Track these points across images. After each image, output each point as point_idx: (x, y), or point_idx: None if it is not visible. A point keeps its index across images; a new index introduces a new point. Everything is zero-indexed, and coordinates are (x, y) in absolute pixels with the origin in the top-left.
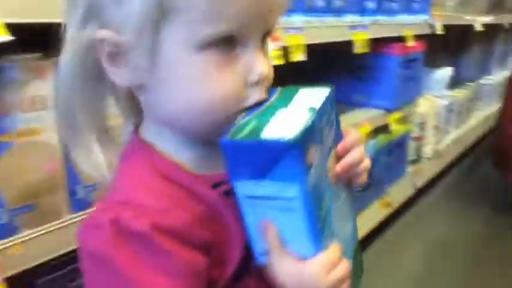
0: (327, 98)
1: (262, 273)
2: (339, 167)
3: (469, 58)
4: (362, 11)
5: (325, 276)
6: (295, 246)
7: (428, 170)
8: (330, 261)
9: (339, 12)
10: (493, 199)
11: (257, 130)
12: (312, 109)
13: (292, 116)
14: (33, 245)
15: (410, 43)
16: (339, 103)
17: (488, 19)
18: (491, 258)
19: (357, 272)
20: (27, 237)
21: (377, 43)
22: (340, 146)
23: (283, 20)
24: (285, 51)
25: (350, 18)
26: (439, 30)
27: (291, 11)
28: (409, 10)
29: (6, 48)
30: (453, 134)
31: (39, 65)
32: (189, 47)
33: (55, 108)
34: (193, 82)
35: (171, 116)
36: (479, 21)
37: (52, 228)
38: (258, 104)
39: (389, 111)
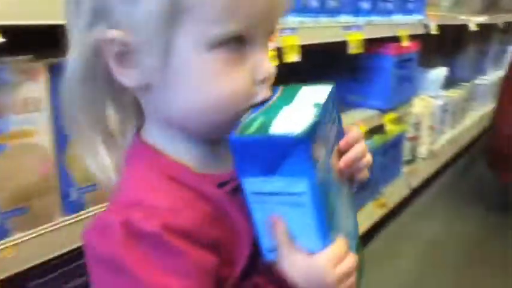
0: (330, 95)
1: (271, 269)
2: (342, 163)
3: (464, 58)
4: (356, 11)
5: (333, 270)
6: (302, 241)
7: (423, 170)
8: (337, 254)
9: (333, 12)
10: (488, 199)
11: (265, 126)
12: (317, 105)
13: (298, 112)
14: (26, 248)
15: (405, 43)
16: None
17: (482, 19)
18: (485, 258)
19: (360, 265)
20: (19, 240)
21: (372, 43)
22: (342, 142)
23: None
24: (279, 52)
25: (344, 19)
26: (434, 30)
27: None
28: (403, 10)
29: None
30: (448, 134)
31: (32, 67)
32: (201, 46)
33: (62, 109)
34: (205, 80)
35: (179, 115)
36: (473, 21)
37: (44, 231)
38: (263, 102)
39: (384, 111)
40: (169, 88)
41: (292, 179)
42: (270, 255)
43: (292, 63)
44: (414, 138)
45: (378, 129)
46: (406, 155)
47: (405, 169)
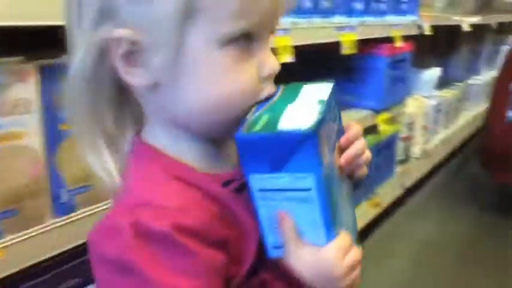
0: (331, 93)
1: (278, 265)
2: (343, 159)
3: (457, 58)
4: (350, 12)
5: (341, 261)
6: (308, 237)
7: (416, 170)
8: (344, 247)
9: (326, 13)
10: (481, 199)
11: (271, 123)
12: (321, 102)
13: (303, 109)
14: (16, 250)
15: (399, 44)
16: None
17: (476, 19)
18: (478, 258)
19: None
20: (9, 243)
21: (365, 44)
22: (343, 139)
23: None
24: (273, 52)
25: (338, 19)
26: (427, 31)
27: None
28: (397, 11)
29: None
30: (441, 134)
31: (22, 68)
32: (212, 44)
33: (66, 111)
34: (216, 77)
35: (187, 114)
36: (467, 21)
37: (35, 233)
38: (266, 99)
39: (377, 111)
40: (178, 86)
41: (299, 175)
42: (274, 252)
43: (286, 64)
44: (408, 138)
45: (372, 130)
46: (399, 154)
47: (399, 169)
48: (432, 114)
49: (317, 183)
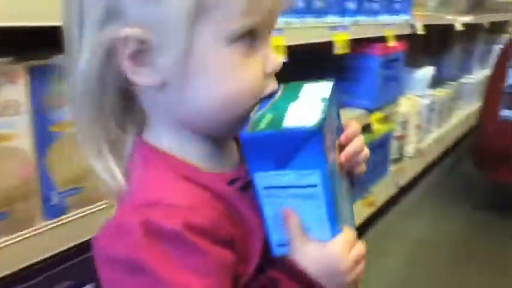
0: (332, 91)
1: (285, 264)
2: (343, 156)
3: (450, 57)
4: (343, 11)
5: (346, 256)
6: (313, 233)
7: (410, 169)
8: (349, 241)
9: (319, 13)
10: (474, 198)
11: (276, 121)
12: (324, 100)
13: (306, 107)
14: (7, 253)
15: (391, 43)
16: None
17: (468, 19)
18: (471, 256)
19: None
20: (0, 245)
21: (358, 43)
22: (343, 137)
23: None
24: None
25: (331, 19)
26: (420, 30)
27: None
28: (390, 10)
29: None
30: (435, 133)
31: (11, 70)
32: (221, 41)
33: (70, 113)
34: (225, 74)
35: (196, 112)
36: (459, 21)
37: (26, 236)
38: (269, 96)
39: (371, 111)
40: (187, 85)
41: (304, 172)
42: (279, 250)
43: None
44: (401, 137)
45: (365, 129)
46: (393, 154)
47: (392, 168)
48: (425, 113)
49: (322, 180)
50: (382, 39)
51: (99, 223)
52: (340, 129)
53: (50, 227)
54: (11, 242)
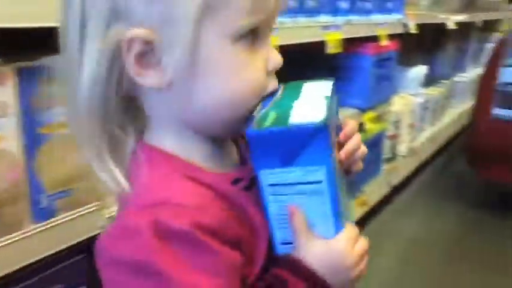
0: (333, 90)
1: (289, 260)
2: (342, 154)
3: (443, 56)
4: (335, 11)
5: (351, 251)
6: (317, 229)
7: (403, 168)
8: (353, 237)
9: (311, 12)
10: (467, 196)
11: (281, 119)
12: (326, 98)
13: (310, 104)
14: None
15: (384, 42)
16: None
17: (461, 18)
18: (464, 254)
19: None
20: None
21: (351, 43)
22: (342, 135)
23: None
24: None
25: (323, 19)
26: (413, 29)
27: None
28: (382, 9)
29: None
30: (428, 132)
31: None
32: (226, 39)
33: (67, 114)
34: (230, 73)
35: (201, 111)
36: (452, 19)
37: (15, 239)
38: (271, 94)
39: (363, 110)
40: (193, 84)
41: (310, 168)
42: (282, 249)
43: None
44: (394, 137)
45: (358, 128)
46: (386, 153)
47: (385, 167)
48: (419, 112)
49: (328, 176)
50: (374, 39)
51: (89, 226)
52: (338, 128)
53: (39, 230)
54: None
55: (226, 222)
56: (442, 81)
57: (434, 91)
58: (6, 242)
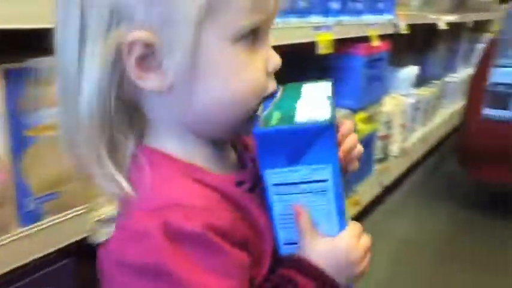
0: (332, 90)
1: (295, 259)
2: (341, 153)
3: (435, 56)
4: (326, 11)
5: (356, 246)
6: (321, 227)
7: (395, 168)
8: (356, 233)
9: (302, 13)
10: (458, 196)
11: (287, 118)
12: (329, 97)
13: (313, 104)
14: None
15: (375, 43)
16: None
17: (452, 18)
18: (455, 254)
19: None
20: None
21: (342, 43)
22: (339, 134)
23: None
24: None
25: (314, 19)
26: (403, 30)
27: None
28: (373, 10)
29: None
30: (419, 132)
31: None
32: (227, 40)
33: (59, 116)
34: (231, 73)
35: (203, 113)
36: (443, 20)
37: (2, 243)
38: (269, 96)
39: (354, 111)
40: (194, 86)
41: (316, 166)
42: (286, 249)
43: None
44: (386, 137)
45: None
46: (377, 153)
47: (377, 167)
48: (410, 112)
49: (333, 174)
50: (365, 39)
51: (77, 229)
52: (336, 128)
53: (26, 233)
54: None
55: (233, 223)
56: (433, 81)
57: (425, 91)
58: None
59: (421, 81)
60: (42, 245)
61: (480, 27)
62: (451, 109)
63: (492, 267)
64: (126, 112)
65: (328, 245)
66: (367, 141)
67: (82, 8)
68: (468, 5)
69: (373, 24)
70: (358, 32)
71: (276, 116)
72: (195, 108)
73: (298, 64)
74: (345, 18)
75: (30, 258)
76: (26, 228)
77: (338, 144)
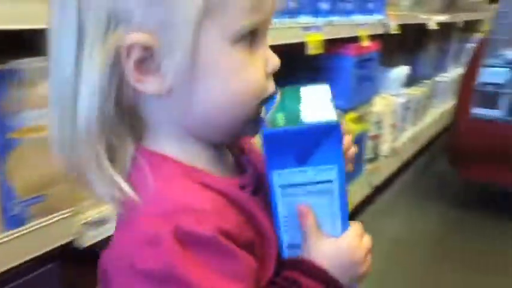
0: (331, 93)
1: (299, 261)
2: None
3: (425, 56)
4: (316, 12)
5: (359, 246)
6: (325, 228)
7: (385, 168)
8: (359, 233)
9: (292, 13)
10: (449, 196)
11: (293, 120)
12: (331, 99)
13: (316, 106)
14: None
15: (366, 43)
16: None
17: (443, 18)
18: (446, 254)
19: None
20: None
21: (332, 43)
22: None
23: None
24: None
25: (304, 20)
26: (394, 30)
27: None
28: (363, 10)
29: None
30: (409, 132)
31: None
32: (226, 41)
33: (50, 118)
34: (231, 74)
35: (203, 115)
36: (433, 20)
37: None
38: (268, 99)
39: (345, 111)
40: (194, 88)
41: (323, 167)
42: (289, 252)
43: None
44: (376, 137)
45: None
46: (368, 153)
47: (367, 167)
48: (400, 112)
49: (339, 174)
50: (356, 39)
51: (63, 232)
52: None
53: (11, 237)
54: None
55: (240, 227)
56: (424, 81)
57: (416, 91)
58: None
59: (411, 81)
60: (27, 249)
61: (470, 27)
62: (441, 109)
63: (483, 266)
64: (125, 115)
65: (332, 246)
66: (358, 141)
67: (79, 11)
68: (458, 5)
69: (363, 25)
70: (348, 32)
71: (281, 118)
72: (194, 111)
73: (288, 65)
74: (334, 19)
75: (16, 263)
76: (11, 232)
77: None
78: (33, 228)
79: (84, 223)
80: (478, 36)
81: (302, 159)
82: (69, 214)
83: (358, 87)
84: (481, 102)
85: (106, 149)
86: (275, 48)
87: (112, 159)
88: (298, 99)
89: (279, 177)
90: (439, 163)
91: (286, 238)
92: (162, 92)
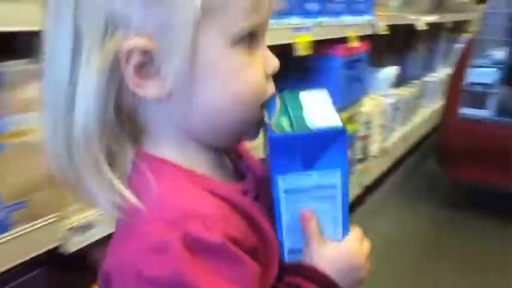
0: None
1: (301, 266)
2: None
3: (414, 57)
4: (305, 13)
5: (361, 249)
6: (327, 233)
7: (375, 168)
8: (359, 237)
9: (281, 14)
10: (438, 195)
11: (299, 124)
12: (333, 104)
13: (320, 111)
14: None
15: (354, 44)
16: None
17: (431, 18)
18: (436, 253)
19: None
20: None
21: (321, 44)
22: None
23: None
24: None
25: (293, 21)
26: (383, 30)
27: None
28: (352, 11)
29: None
30: (399, 132)
31: None
32: (225, 42)
33: (42, 121)
34: (231, 76)
35: (204, 118)
36: (422, 20)
37: None
38: (268, 102)
39: None
40: (194, 91)
41: (328, 171)
42: (290, 257)
43: None
44: (365, 137)
45: None
46: (357, 153)
47: (357, 167)
48: (390, 112)
49: (342, 179)
50: (344, 40)
51: (48, 238)
52: None
53: None
54: None
55: (245, 233)
56: (413, 81)
57: (405, 91)
58: None
59: (400, 81)
60: (12, 255)
61: (459, 27)
62: (430, 108)
63: (474, 265)
64: (124, 120)
65: (334, 250)
66: None
67: (75, 16)
68: (447, 5)
69: (352, 25)
70: (337, 33)
71: (285, 123)
72: (194, 113)
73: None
74: (323, 19)
75: (2, 269)
76: None
77: None
78: (17, 234)
79: (70, 228)
80: (466, 36)
81: (308, 163)
82: (54, 219)
83: (347, 87)
84: (469, 102)
85: (106, 155)
86: None
87: (111, 165)
88: (300, 104)
89: (283, 182)
90: (428, 163)
91: (287, 243)
92: (162, 96)
